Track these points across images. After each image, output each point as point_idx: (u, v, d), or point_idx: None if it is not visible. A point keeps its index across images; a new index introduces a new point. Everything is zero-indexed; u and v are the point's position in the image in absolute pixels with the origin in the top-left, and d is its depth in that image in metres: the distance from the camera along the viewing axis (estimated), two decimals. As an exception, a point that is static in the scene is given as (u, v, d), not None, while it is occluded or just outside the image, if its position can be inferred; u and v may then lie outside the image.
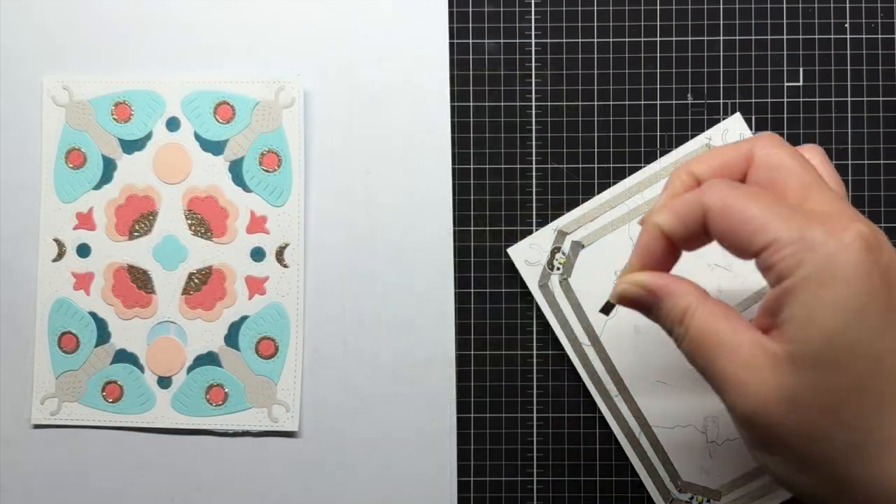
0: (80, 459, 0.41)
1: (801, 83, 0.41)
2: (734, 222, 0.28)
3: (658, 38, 0.41)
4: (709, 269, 0.40)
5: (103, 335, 0.41)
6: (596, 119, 0.41)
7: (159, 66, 0.41)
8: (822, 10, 0.41)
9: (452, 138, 0.41)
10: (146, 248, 0.41)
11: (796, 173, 0.29)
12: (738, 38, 0.41)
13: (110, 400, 0.41)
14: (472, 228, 0.41)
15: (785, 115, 0.41)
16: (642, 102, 0.41)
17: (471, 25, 0.41)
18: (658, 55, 0.41)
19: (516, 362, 0.41)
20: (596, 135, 0.41)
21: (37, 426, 0.41)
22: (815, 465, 0.27)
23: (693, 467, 0.40)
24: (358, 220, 0.41)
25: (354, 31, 0.41)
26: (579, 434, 0.41)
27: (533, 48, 0.41)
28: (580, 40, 0.41)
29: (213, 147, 0.41)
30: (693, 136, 0.41)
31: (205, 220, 0.41)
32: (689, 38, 0.41)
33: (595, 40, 0.41)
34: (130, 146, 0.41)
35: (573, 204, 0.41)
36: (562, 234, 0.40)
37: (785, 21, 0.41)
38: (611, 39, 0.41)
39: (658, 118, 0.41)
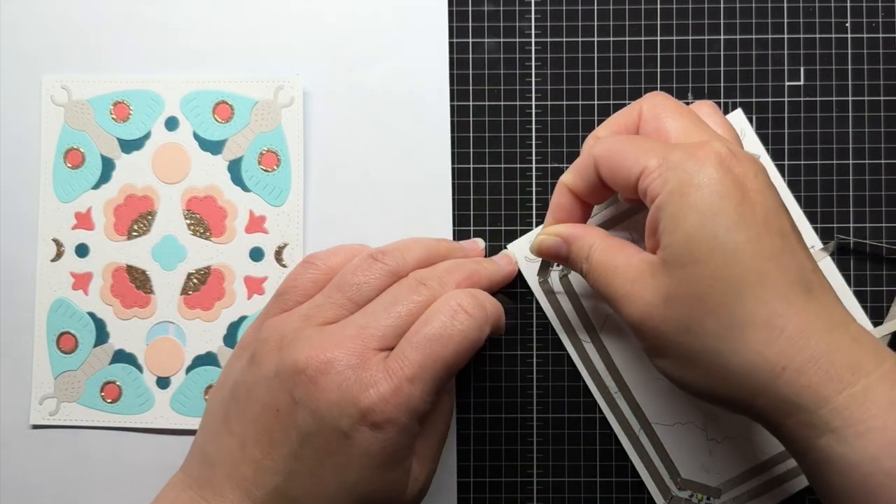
0: (78, 460, 0.41)
1: (801, 82, 0.41)
2: (614, 164, 0.32)
3: (658, 38, 0.41)
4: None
5: (102, 335, 0.41)
6: (596, 119, 0.41)
7: (158, 65, 0.41)
8: (823, 9, 0.41)
9: (452, 138, 0.41)
10: (145, 248, 0.41)
11: (676, 120, 0.33)
12: (738, 37, 0.41)
13: (109, 400, 0.41)
14: (471, 228, 0.41)
15: (786, 115, 0.41)
16: (642, 102, 0.41)
17: (471, 25, 0.41)
18: (658, 55, 0.41)
19: (516, 362, 0.41)
20: (596, 134, 0.41)
21: (35, 426, 0.41)
22: (696, 357, 0.30)
23: (693, 465, 0.40)
24: (357, 220, 0.41)
25: (354, 31, 0.41)
26: (579, 434, 0.41)
27: (533, 48, 0.41)
28: (580, 40, 0.41)
29: (212, 147, 0.41)
30: (693, 136, 0.41)
31: (204, 219, 0.41)
32: (690, 38, 0.41)
33: (595, 40, 0.41)
34: (129, 146, 0.41)
35: (573, 204, 0.41)
36: None
37: (786, 20, 0.41)
38: (611, 39, 0.41)
39: (658, 118, 0.41)
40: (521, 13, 0.41)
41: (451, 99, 0.41)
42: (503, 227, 0.41)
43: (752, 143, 0.40)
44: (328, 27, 0.41)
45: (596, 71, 0.41)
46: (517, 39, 0.41)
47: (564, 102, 0.41)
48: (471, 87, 0.41)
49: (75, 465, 0.41)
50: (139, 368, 0.41)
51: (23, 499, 0.41)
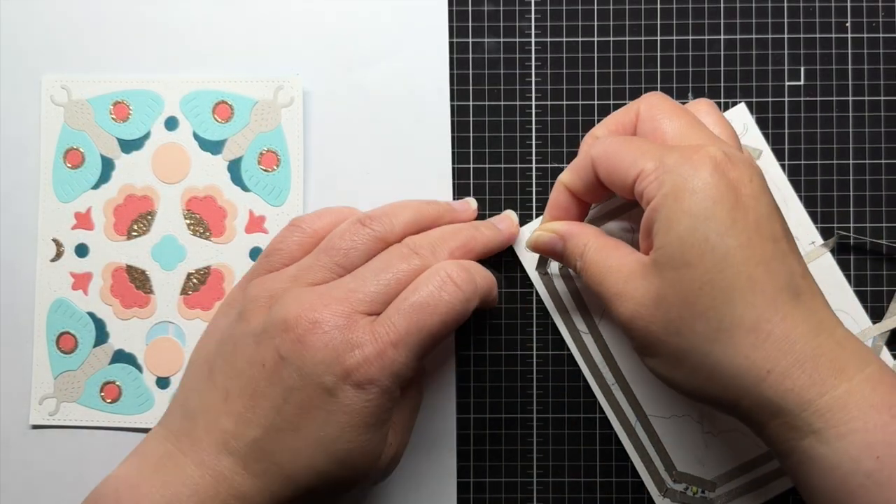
0: (78, 460, 0.41)
1: (802, 82, 0.41)
2: (612, 166, 0.33)
3: (658, 38, 0.41)
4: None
5: (102, 335, 0.41)
6: (596, 118, 0.41)
7: (158, 65, 0.41)
8: (824, 8, 0.41)
9: (452, 138, 0.41)
10: (145, 248, 0.41)
11: (672, 122, 0.33)
12: (738, 37, 0.41)
13: (109, 400, 0.41)
14: (471, 228, 0.41)
15: (786, 115, 0.41)
16: (642, 102, 0.41)
17: (471, 25, 0.41)
18: (658, 55, 0.41)
19: (516, 362, 0.41)
20: (596, 134, 0.41)
21: (35, 427, 0.41)
22: (684, 357, 0.31)
23: (688, 458, 0.40)
24: (357, 219, 0.41)
25: (354, 31, 0.41)
26: (579, 434, 0.41)
27: (533, 48, 0.41)
28: (580, 40, 0.41)
29: (212, 147, 0.41)
30: (693, 136, 0.41)
31: (203, 219, 0.41)
32: (690, 37, 0.41)
33: (595, 40, 0.41)
34: (129, 146, 0.41)
35: (573, 204, 0.41)
36: None
37: (786, 20, 0.41)
38: (611, 39, 0.41)
39: (658, 118, 0.41)
40: (521, 13, 0.41)
41: (451, 99, 0.41)
42: (503, 227, 0.41)
43: (755, 139, 0.40)
44: (328, 27, 0.41)
45: (596, 71, 0.41)
46: (517, 39, 0.41)
47: (564, 102, 0.41)
48: (471, 87, 0.41)
49: (75, 465, 0.41)
50: (139, 368, 0.41)
51: (23, 499, 0.41)
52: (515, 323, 0.41)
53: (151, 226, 0.41)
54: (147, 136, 0.41)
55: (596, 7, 0.41)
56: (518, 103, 0.41)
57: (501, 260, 0.41)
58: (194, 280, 0.41)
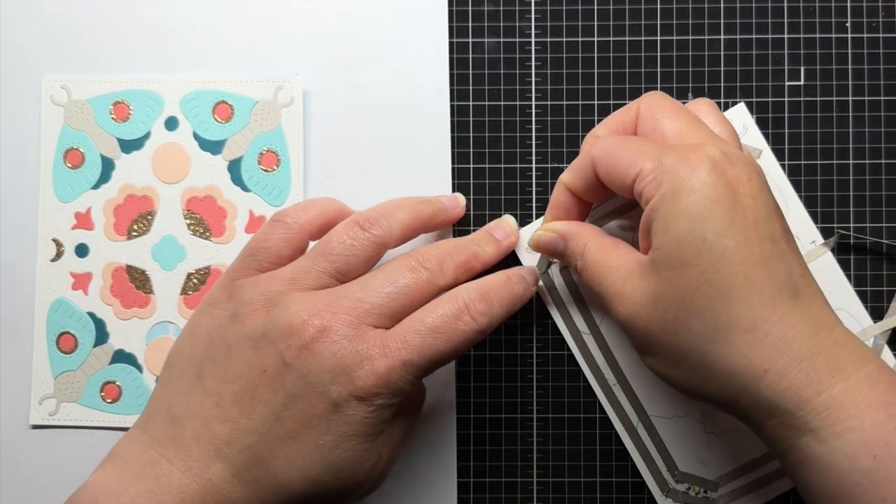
0: (78, 460, 0.41)
1: (801, 82, 0.41)
2: (611, 166, 0.33)
3: (658, 38, 0.41)
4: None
5: (102, 335, 0.41)
6: (596, 118, 0.41)
7: (158, 65, 0.41)
8: (824, 8, 0.41)
9: (452, 138, 0.41)
10: (145, 248, 0.41)
11: (672, 121, 0.33)
12: (738, 37, 0.41)
13: (109, 400, 0.41)
14: (471, 228, 0.41)
15: (786, 115, 0.41)
16: (642, 102, 0.41)
17: (471, 25, 0.41)
18: (658, 55, 0.41)
19: (516, 362, 0.41)
20: (596, 134, 0.41)
21: (35, 427, 0.41)
22: (682, 356, 0.31)
23: (690, 458, 0.40)
24: (357, 219, 0.41)
25: (354, 31, 0.41)
26: (579, 434, 0.41)
27: (533, 48, 0.41)
28: (580, 40, 0.41)
29: (212, 147, 0.41)
30: (693, 136, 0.40)
31: (203, 219, 0.41)
32: (690, 37, 0.41)
33: (595, 40, 0.41)
34: (129, 146, 0.41)
35: (573, 204, 0.41)
36: None
37: (786, 20, 0.41)
38: (611, 39, 0.41)
39: (658, 118, 0.41)
40: (521, 13, 0.41)
41: (451, 99, 0.41)
42: (503, 227, 0.41)
43: (755, 139, 0.40)
44: (328, 27, 0.41)
45: (596, 71, 0.41)
46: (517, 39, 0.41)
47: (564, 102, 0.41)
48: (471, 87, 0.41)
49: (75, 465, 0.41)
50: (139, 368, 0.41)
51: (23, 499, 0.41)
52: (515, 323, 0.41)
53: (151, 226, 0.41)
54: (147, 136, 0.41)
55: (596, 7, 0.41)
56: (518, 103, 0.41)
57: (502, 261, 0.41)
58: (194, 280, 0.41)
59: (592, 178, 0.34)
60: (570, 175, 0.36)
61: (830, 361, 0.29)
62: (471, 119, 0.41)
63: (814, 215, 0.40)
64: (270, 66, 0.41)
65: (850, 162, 0.41)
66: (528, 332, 0.41)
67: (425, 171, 0.41)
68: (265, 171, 0.41)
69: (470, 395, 0.41)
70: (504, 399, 0.41)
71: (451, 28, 0.41)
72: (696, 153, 0.31)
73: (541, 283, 0.40)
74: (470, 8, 0.41)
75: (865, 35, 0.41)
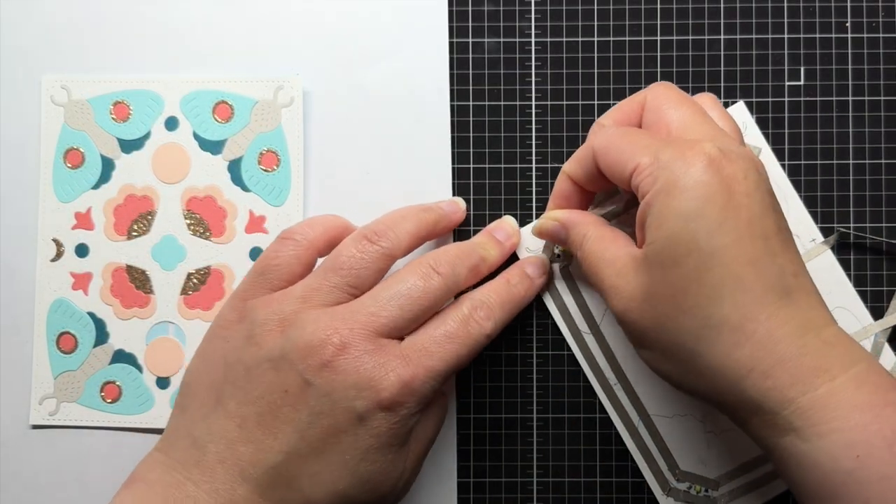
0: (78, 460, 0.41)
1: (801, 82, 0.41)
2: (611, 158, 0.33)
3: (658, 38, 0.41)
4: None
5: (102, 335, 0.41)
6: (596, 118, 0.41)
7: (158, 65, 0.41)
8: (824, 8, 0.41)
9: (452, 138, 0.41)
10: (145, 248, 0.41)
11: (677, 111, 0.33)
12: (738, 37, 0.41)
13: (109, 400, 0.41)
14: (471, 228, 0.41)
15: (786, 115, 0.41)
16: (642, 102, 0.41)
17: (471, 25, 0.41)
18: (658, 55, 0.41)
19: (516, 362, 0.41)
20: (596, 134, 0.41)
21: (35, 427, 0.41)
22: (673, 352, 0.31)
23: (691, 457, 0.40)
24: (357, 220, 0.41)
25: (354, 31, 0.41)
26: (579, 434, 0.41)
27: (533, 48, 0.41)
28: (580, 40, 0.41)
29: (212, 147, 0.41)
30: (693, 136, 0.40)
31: (203, 219, 0.41)
32: (690, 37, 0.41)
33: (595, 40, 0.41)
34: (129, 146, 0.41)
35: (573, 203, 0.41)
36: None
37: (786, 20, 0.41)
38: (611, 39, 0.41)
39: (658, 118, 0.41)
40: (521, 13, 0.41)
41: (451, 99, 0.41)
42: (503, 227, 0.41)
43: (754, 138, 0.40)
44: (328, 27, 0.41)
45: (596, 71, 0.41)
46: (517, 39, 0.41)
47: (564, 102, 0.41)
48: (471, 87, 0.41)
49: (75, 465, 0.41)
50: (139, 368, 0.41)
51: (23, 499, 0.41)
52: (516, 323, 0.41)
53: (151, 226, 0.41)
54: (147, 136, 0.41)
55: (596, 7, 0.41)
56: (518, 103, 0.41)
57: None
58: (194, 280, 0.41)
59: (593, 168, 0.35)
60: (573, 164, 0.36)
61: (817, 362, 0.29)
62: (471, 119, 0.41)
63: (814, 215, 0.40)
64: (270, 66, 0.41)
65: (850, 162, 0.41)
66: (528, 332, 0.41)
67: (425, 171, 0.41)
68: (265, 171, 0.41)
69: (470, 395, 0.41)
70: (504, 399, 0.41)
71: (451, 28, 0.41)
72: (692, 150, 0.30)
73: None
74: (470, 8, 0.41)
75: (865, 35, 0.41)
